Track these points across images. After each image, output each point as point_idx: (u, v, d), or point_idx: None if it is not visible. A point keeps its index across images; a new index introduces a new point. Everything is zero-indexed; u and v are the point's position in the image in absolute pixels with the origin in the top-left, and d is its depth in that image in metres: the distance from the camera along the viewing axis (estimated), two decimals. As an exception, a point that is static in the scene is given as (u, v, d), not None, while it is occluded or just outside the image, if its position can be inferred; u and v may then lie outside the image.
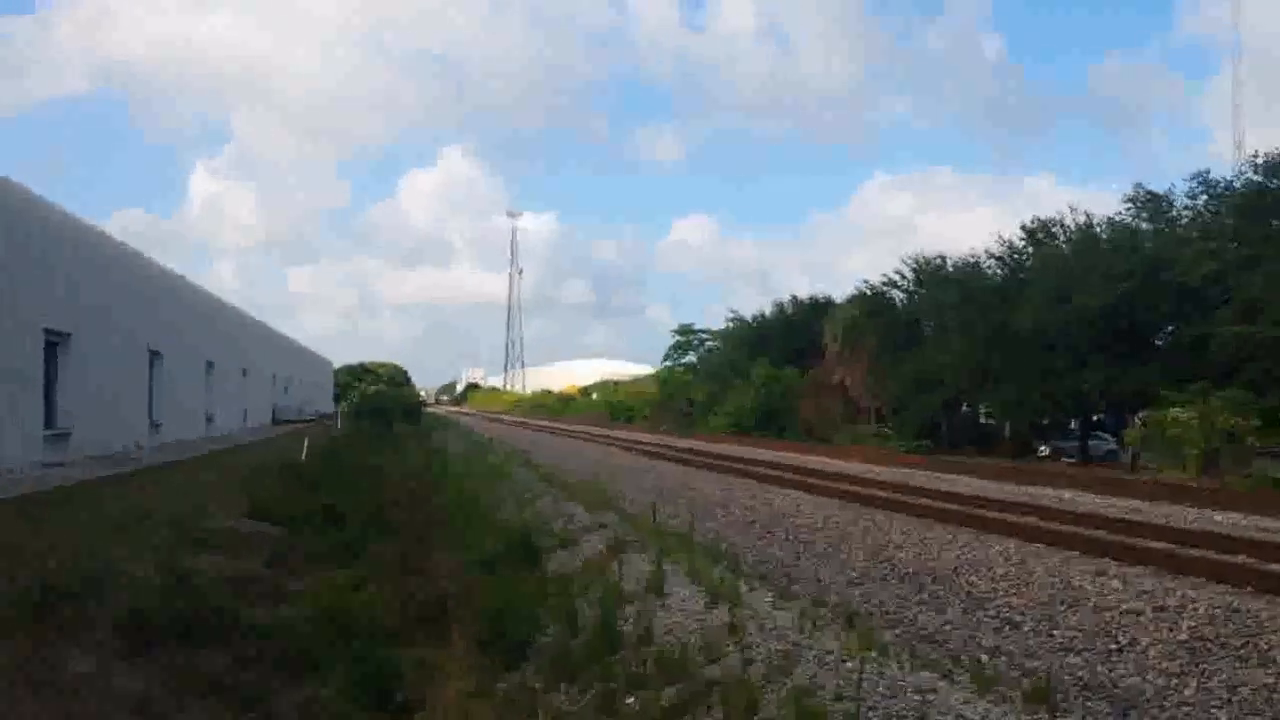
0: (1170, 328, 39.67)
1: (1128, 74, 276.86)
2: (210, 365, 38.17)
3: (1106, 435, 46.00)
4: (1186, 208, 39.13)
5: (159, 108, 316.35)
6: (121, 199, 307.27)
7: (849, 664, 7.62)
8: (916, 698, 6.76)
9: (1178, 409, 30.40)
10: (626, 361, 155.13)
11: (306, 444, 27.65)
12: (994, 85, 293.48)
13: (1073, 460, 42.40)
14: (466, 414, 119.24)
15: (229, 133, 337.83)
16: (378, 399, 70.50)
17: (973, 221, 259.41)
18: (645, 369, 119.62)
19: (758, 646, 8.11)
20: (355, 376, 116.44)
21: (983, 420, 55.05)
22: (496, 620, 9.25)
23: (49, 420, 21.28)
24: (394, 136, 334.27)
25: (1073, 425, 48.73)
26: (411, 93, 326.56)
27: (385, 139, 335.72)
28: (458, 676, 7.76)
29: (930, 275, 51.87)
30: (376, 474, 22.04)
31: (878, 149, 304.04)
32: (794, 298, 70.46)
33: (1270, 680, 7.72)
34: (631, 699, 7.56)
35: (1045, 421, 49.77)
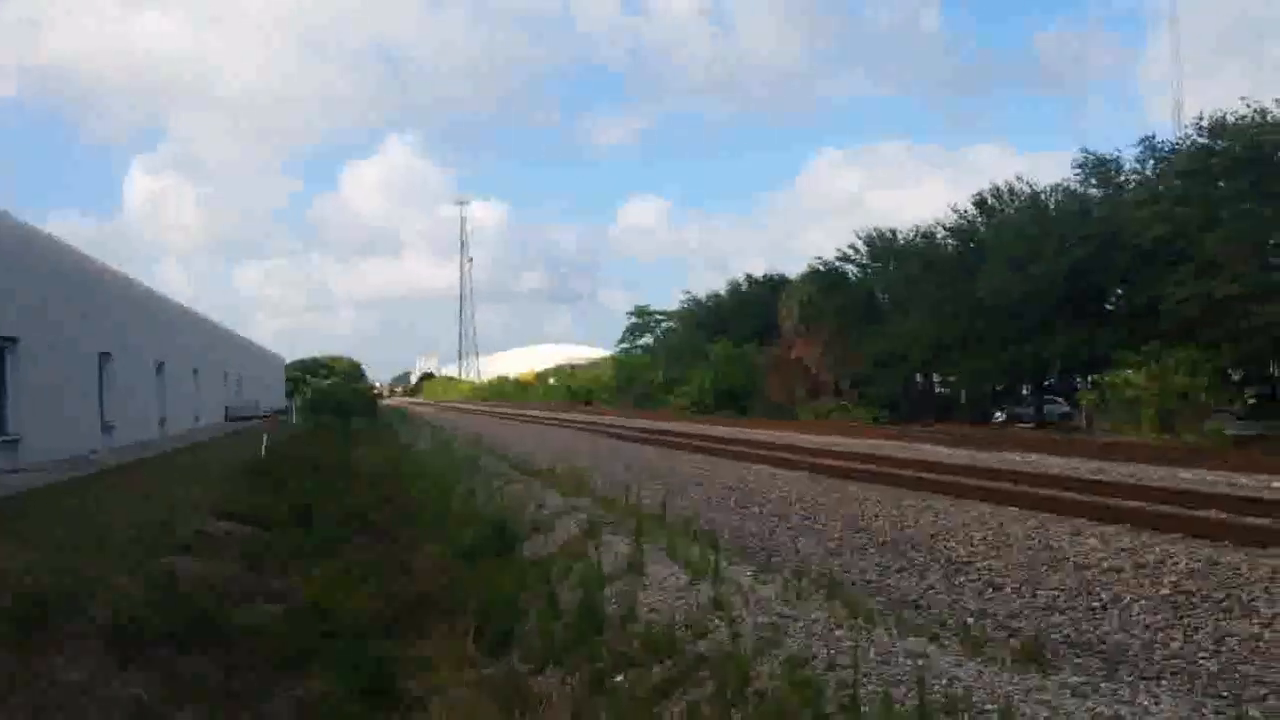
0: (1120, 291, 40.33)
1: (1066, 40, 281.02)
2: (161, 366, 37.47)
3: (1059, 399, 46.72)
4: (1135, 172, 39.70)
5: (94, 109, 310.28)
6: (58, 201, 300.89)
7: (838, 633, 7.59)
8: (909, 663, 6.74)
9: (1130, 371, 30.92)
10: (583, 346, 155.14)
11: (265, 441, 27.22)
12: (936, 56, 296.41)
13: (1029, 425, 43.00)
14: (422, 404, 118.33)
15: (167, 132, 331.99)
16: (332, 393, 69.73)
17: (922, 194, 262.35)
18: (602, 353, 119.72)
19: (744, 620, 8.06)
20: (308, 371, 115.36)
21: (938, 390, 55.70)
22: (480, 610, 9.13)
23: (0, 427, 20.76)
24: (336, 129, 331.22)
25: (1025, 391, 49.49)
26: (352, 84, 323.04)
27: (327, 132, 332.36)
28: (446, 668, 7.65)
29: (885, 248, 52.27)
30: (342, 470, 21.76)
31: (826, 125, 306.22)
32: (749, 276, 70.76)
33: (1256, 630, 7.79)
34: (620, 677, 7.48)
35: (1000, 388, 50.47)
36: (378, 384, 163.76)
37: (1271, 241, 32.57)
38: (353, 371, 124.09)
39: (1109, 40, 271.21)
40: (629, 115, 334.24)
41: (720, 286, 77.86)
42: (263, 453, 25.23)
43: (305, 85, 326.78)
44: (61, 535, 10.92)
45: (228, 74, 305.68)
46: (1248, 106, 33.16)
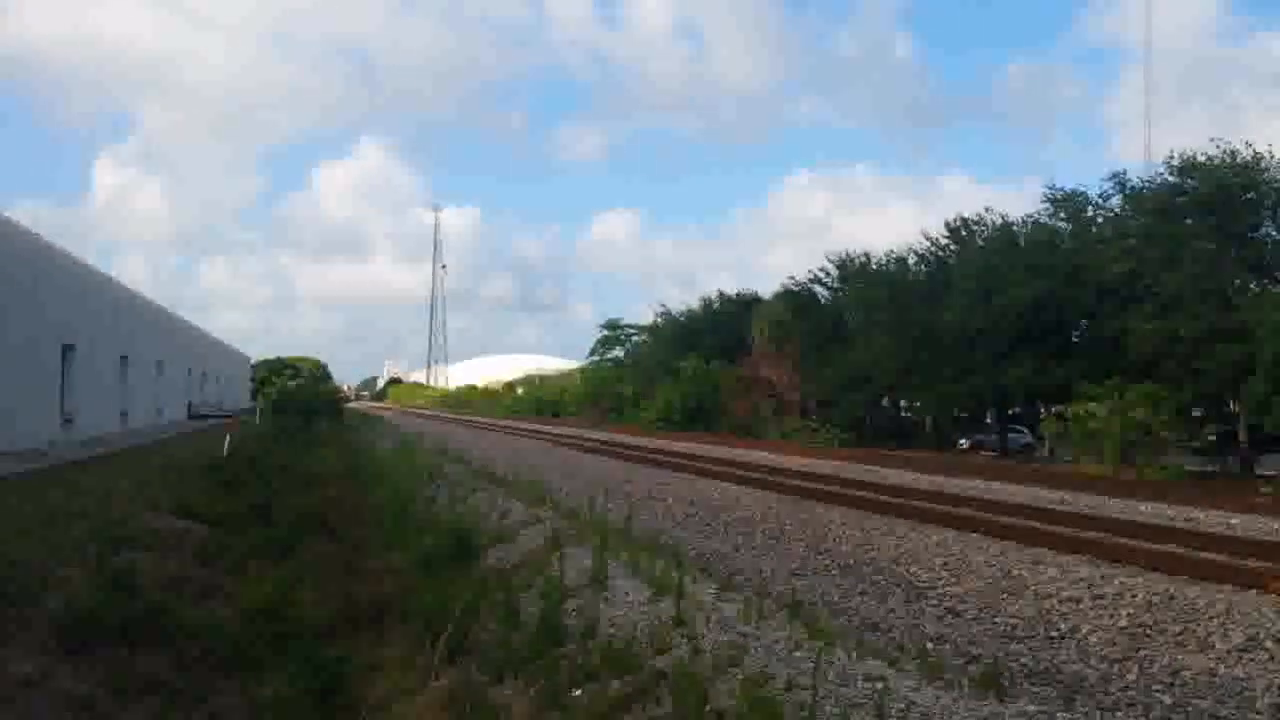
0: (1084, 323, 40.81)
1: (1034, 75, 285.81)
2: (124, 359, 37.00)
3: (1023, 429, 47.15)
4: (1101, 208, 40.24)
5: (60, 98, 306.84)
6: (17, 188, 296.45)
7: (798, 653, 7.59)
8: (867, 686, 6.75)
9: (1093, 404, 31.25)
10: (552, 357, 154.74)
11: (228, 440, 26.90)
12: (905, 85, 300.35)
13: (993, 453, 43.35)
14: (388, 410, 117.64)
15: (134, 124, 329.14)
16: (298, 394, 69.10)
17: (888, 220, 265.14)
18: (571, 364, 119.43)
19: (705, 638, 8.04)
20: (274, 371, 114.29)
21: (903, 414, 56.06)
22: (438, 617, 9.02)
23: (-44, 414, 20.42)
24: (306, 129, 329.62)
25: (988, 419, 49.94)
26: (321, 85, 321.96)
27: (297, 131, 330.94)
28: (403, 674, 7.56)
29: (856, 273, 52.61)
30: (304, 471, 21.54)
31: (794, 148, 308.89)
32: (721, 294, 70.89)
33: (1211, 665, 7.87)
34: (579, 691, 7.42)
35: (964, 415, 50.90)
36: (346, 387, 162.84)
37: (1236, 282, 33.11)
38: (319, 373, 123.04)
39: (1075, 76, 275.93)
40: (600, 129, 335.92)
41: (687, 302, 78.26)
42: (225, 452, 24.92)
43: (275, 82, 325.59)
44: (13, 528, 10.73)
45: (197, 67, 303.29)
46: (1217, 147, 33.72)
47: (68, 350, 28.80)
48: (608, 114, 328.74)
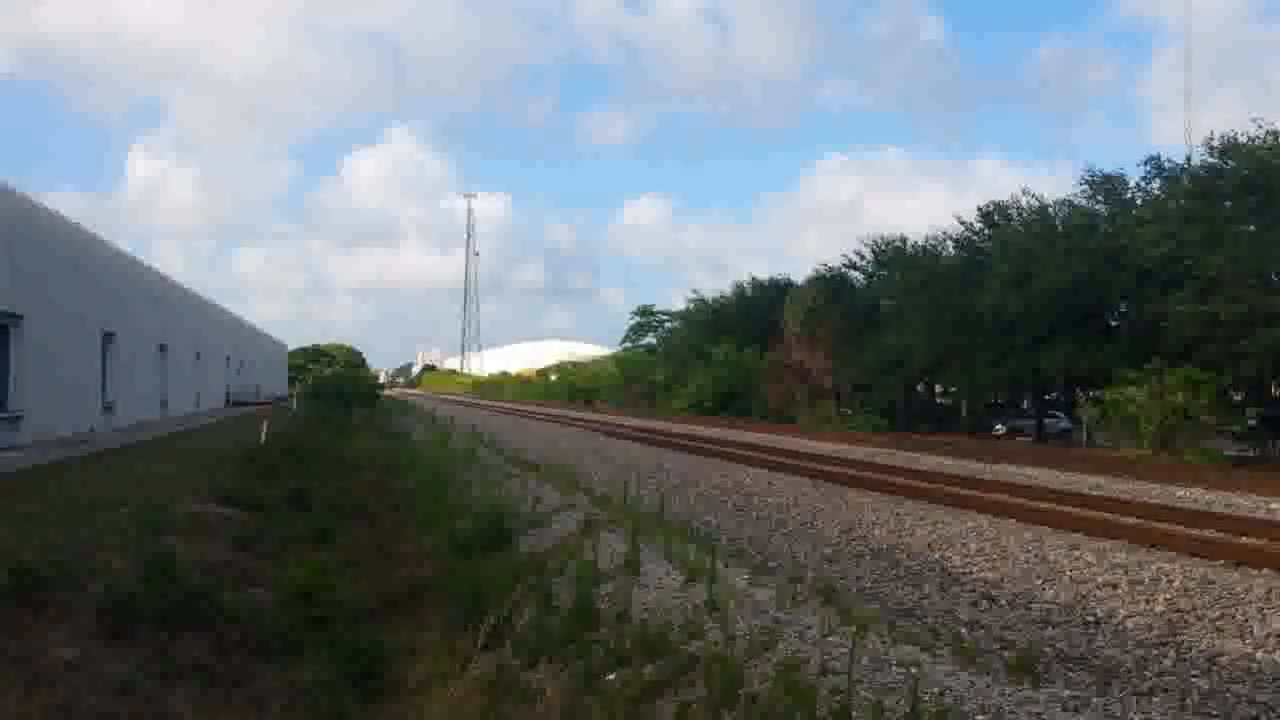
0: (1123, 308, 40.31)
1: (1066, 56, 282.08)
2: (164, 347, 37.48)
3: (1060, 414, 46.69)
4: (1140, 190, 39.68)
5: (92, 88, 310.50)
6: (53, 177, 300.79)
7: (832, 639, 7.59)
8: (901, 671, 6.74)
9: (1131, 388, 30.90)
10: (585, 343, 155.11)
11: (266, 427, 27.19)
12: (935, 67, 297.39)
13: (1029, 438, 42.97)
14: (422, 396, 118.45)
15: (166, 114, 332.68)
16: (334, 381, 69.68)
17: (920, 203, 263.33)
18: (603, 350, 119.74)
19: (738, 623, 8.06)
20: (310, 359, 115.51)
21: (939, 400, 55.68)
22: (474, 602, 9.11)
23: (1, 403, 20.76)
24: (335, 117, 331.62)
25: (1025, 404, 49.48)
26: (351, 72, 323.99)
27: (326, 120, 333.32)
28: (439, 658, 7.65)
29: (891, 257, 52.17)
30: (341, 457, 21.76)
31: (824, 131, 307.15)
32: (754, 279, 70.66)
33: (1249, 650, 7.79)
34: (613, 675, 7.48)
35: (1000, 401, 50.47)
36: (383, 373, 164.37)
37: (1277, 264, 32.53)
38: (354, 361, 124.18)
39: (1107, 58, 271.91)
40: (627, 114, 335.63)
41: (718, 287, 78.10)
42: (262, 439, 25.20)
43: (306, 71, 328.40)
44: (58, 513, 10.93)
45: (227, 56, 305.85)
46: (1258, 127, 33.09)
47: (108, 339, 29.22)
48: (635, 99, 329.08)
